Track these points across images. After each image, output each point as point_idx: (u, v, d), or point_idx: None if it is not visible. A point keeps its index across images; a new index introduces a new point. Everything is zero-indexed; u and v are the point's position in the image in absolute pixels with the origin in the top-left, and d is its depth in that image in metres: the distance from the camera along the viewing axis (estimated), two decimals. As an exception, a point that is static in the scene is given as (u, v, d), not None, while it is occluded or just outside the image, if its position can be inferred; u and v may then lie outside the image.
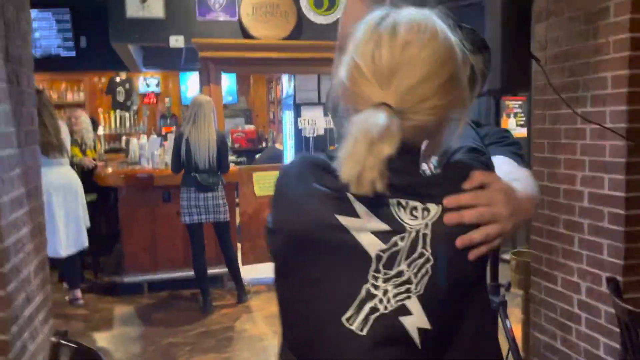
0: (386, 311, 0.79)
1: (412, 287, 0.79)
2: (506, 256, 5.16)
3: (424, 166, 0.87)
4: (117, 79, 8.34)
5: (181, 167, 4.11)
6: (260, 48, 4.82)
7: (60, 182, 4.25)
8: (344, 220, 0.80)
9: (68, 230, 4.28)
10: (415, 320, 0.79)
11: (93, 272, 5.06)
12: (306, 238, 0.82)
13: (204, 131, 4.04)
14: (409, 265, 0.79)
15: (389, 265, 0.79)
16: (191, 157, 4.05)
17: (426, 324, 0.79)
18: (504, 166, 0.95)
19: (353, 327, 0.79)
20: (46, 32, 7.28)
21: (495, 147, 1.02)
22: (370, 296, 0.79)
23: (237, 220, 4.99)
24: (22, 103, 1.97)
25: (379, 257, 0.79)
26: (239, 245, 4.87)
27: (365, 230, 0.80)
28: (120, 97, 8.40)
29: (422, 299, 0.79)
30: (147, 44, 5.54)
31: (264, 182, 4.76)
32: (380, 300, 0.79)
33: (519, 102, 5.32)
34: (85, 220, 4.45)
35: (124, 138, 7.92)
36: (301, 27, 4.83)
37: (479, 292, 0.86)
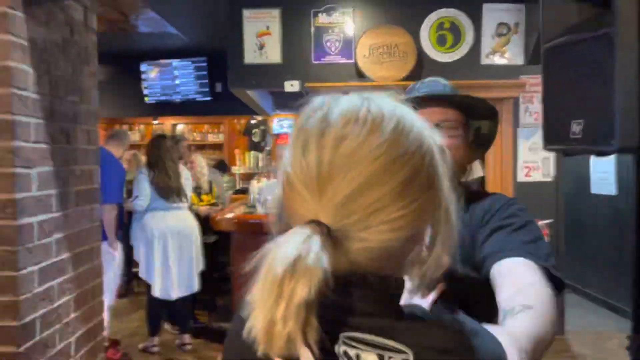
0: None
1: None
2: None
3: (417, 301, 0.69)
4: (253, 121, 8.66)
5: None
6: (375, 90, 4.52)
7: (177, 226, 4.38)
8: None
9: (180, 273, 4.36)
10: None
11: (208, 314, 5.08)
12: None
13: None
14: None
15: None
16: (294, 206, 3.85)
17: None
18: (518, 270, 0.76)
19: None
20: (186, 79, 7.82)
21: (502, 235, 0.78)
22: None
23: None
24: (74, 162, 1.89)
25: None
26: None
27: None
28: (256, 138, 8.69)
29: None
30: (263, 89, 5.56)
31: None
32: None
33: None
34: (198, 265, 4.48)
35: (256, 177, 8.15)
36: (421, 66, 4.46)
37: None
